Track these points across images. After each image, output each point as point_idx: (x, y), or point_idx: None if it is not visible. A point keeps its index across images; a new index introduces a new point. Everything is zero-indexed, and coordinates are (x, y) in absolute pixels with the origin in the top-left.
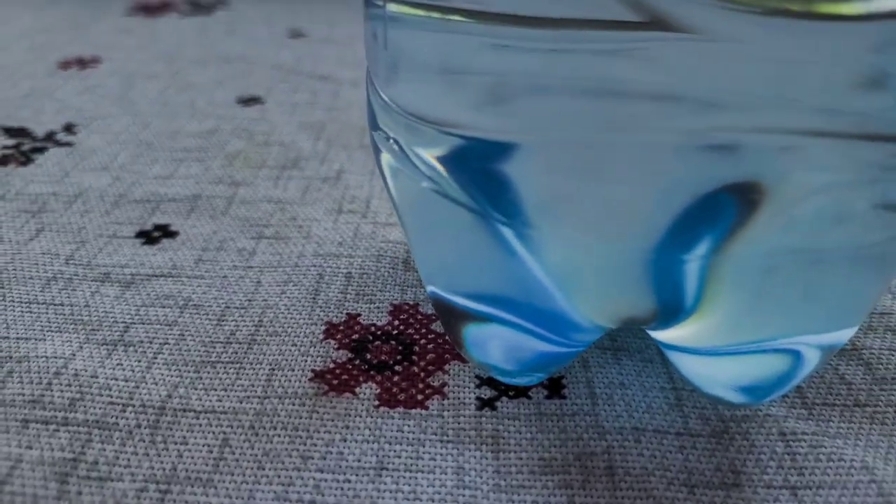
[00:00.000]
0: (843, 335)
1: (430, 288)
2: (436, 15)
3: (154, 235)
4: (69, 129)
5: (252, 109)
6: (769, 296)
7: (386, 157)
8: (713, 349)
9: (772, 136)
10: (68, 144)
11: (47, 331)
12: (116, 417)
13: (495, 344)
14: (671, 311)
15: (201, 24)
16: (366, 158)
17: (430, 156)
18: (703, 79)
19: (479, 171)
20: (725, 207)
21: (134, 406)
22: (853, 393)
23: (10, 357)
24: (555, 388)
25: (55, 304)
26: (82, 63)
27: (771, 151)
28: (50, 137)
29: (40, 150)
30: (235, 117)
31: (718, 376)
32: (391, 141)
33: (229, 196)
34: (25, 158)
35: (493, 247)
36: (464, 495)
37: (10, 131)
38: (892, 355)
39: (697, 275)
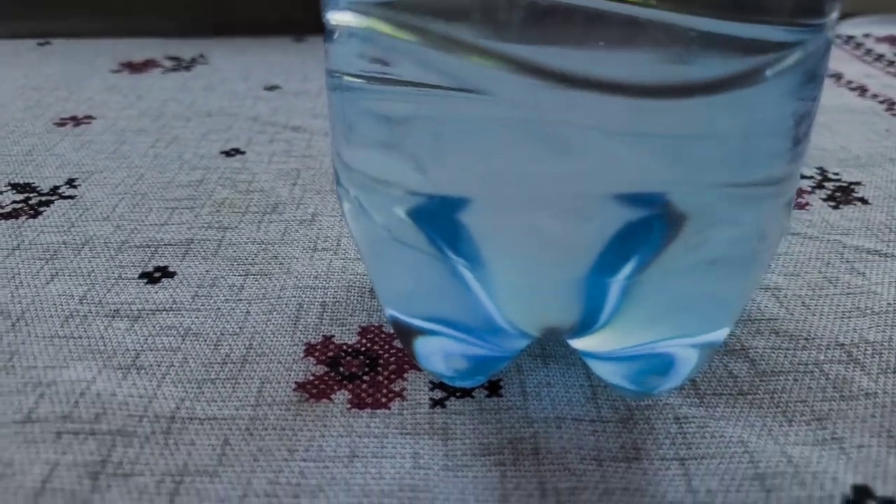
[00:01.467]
0: (718, 335)
1: (387, 310)
2: (378, 86)
3: (155, 276)
4: (71, 183)
5: (234, 160)
6: (655, 308)
7: (347, 206)
8: (609, 354)
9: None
10: (71, 197)
11: (69, 360)
12: (135, 427)
13: (439, 353)
14: (586, 324)
15: (182, 80)
16: (336, 202)
17: (389, 209)
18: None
19: (436, 220)
20: (652, 232)
21: (149, 417)
22: (738, 384)
23: (41, 383)
24: (494, 388)
25: (74, 338)
26: (76, 120)
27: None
28: (54, 191)
29: (47, 204)
30: (220, 168)
31: (617, 372)
32: (352, 195)
33: (218, 239)
34: (34, 211)
35: (442, 279)
36: (419, 474)
37: (18, 187)
38: (773, 353)
39: (618, 294)
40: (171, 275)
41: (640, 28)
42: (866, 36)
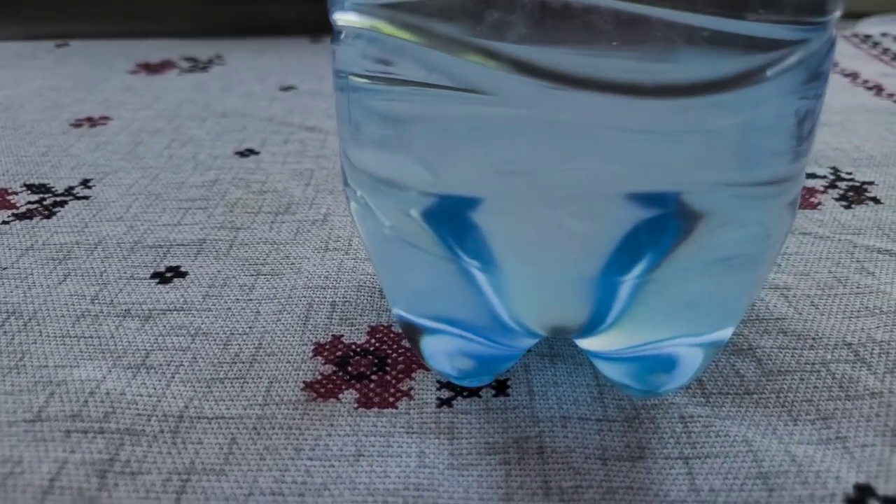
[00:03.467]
0: (723, 334)
1: (394, 309)
2: (383, 86)
3: (167, 276)
4: (85, 183)
5: (248, 160)
6: (662, 307)
7: (354, 206)
8: (616, 353)
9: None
10: (85, 198)
11: (80, 359)
12: (143, 426)
13: (446, 352)
14: (594, 324)
15: (199, 81)
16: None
17: (397, 211)
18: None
19: (445, 221)
20: (665, 231)
21: (157, 416)
22: (745, 384)
23: (51, 381)
24: (501, 388)
25: (85, 337)
26: (92, 121)
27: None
28: (69, 192)
29: (61, 204)
30: (234, 168)
31: (624, 373)
32: (359, 196)
33: (230, 239)
34: (48, 212)
35: (450, 279)
36: (424, 473)
37: (33, 188)
38: (780, 352)
39: (627, 294)
40: (183, 275)
41: (643, 26)
42: (884, 35)
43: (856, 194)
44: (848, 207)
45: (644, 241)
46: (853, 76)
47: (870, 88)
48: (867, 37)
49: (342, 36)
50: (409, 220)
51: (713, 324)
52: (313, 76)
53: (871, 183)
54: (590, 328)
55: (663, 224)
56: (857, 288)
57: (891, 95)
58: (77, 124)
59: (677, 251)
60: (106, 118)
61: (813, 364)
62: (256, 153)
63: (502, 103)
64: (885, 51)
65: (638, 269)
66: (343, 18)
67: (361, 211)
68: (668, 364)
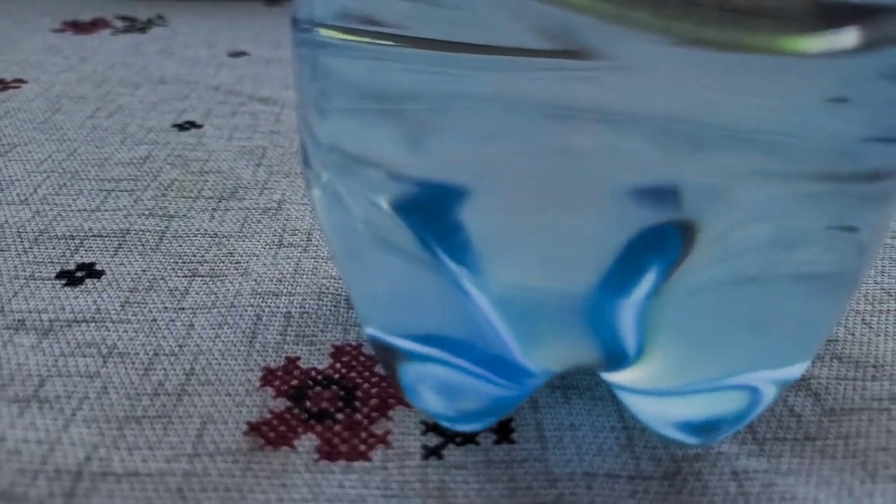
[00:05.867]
0: (798, 369)
1: (368, 329)
2: (366, 40)
3: (77, 276)
4: None
5: (188, 134)
6: (716, 333)
7: (317, 194)
8: (664, 389)
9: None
10: None
11: None
12: (26, 487)
13: (432, 385)
14: (617, 358)
15: (135, 43)
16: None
17: (370, 198)
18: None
19: (426, 214)
20: (666, 240)
21: (47, 472)
22: (803, 426)
23: None
24: (503, 431)
25: None
26: (4, 84)
27: (709, 189)
28: None
29: None
30: (170, 143)
31: (670, 416)
32: (324, 180)
33: (161, 230)
34: None
35: (435, 286)
36: None
37: None
38: (840, 385)
39: (636, 321)
40: (98, 274)
41: None
42: None
43: None
44: None
45: (645, 254)
46: None
47: None
48: None
49: None
50: (385, 212)
51: (786, 354)
52: (268, 42)
53: None
54: (613, 363)
55: (664, 233)
56: None
57: None
58: None
59: (686, 264)
60: (20, 81)
61: (880, 400)
62: (198, 126)
63: (520, 78)
64: None
65: (642, 291)
66: None
67: (326, 200)
68: (734, 404)
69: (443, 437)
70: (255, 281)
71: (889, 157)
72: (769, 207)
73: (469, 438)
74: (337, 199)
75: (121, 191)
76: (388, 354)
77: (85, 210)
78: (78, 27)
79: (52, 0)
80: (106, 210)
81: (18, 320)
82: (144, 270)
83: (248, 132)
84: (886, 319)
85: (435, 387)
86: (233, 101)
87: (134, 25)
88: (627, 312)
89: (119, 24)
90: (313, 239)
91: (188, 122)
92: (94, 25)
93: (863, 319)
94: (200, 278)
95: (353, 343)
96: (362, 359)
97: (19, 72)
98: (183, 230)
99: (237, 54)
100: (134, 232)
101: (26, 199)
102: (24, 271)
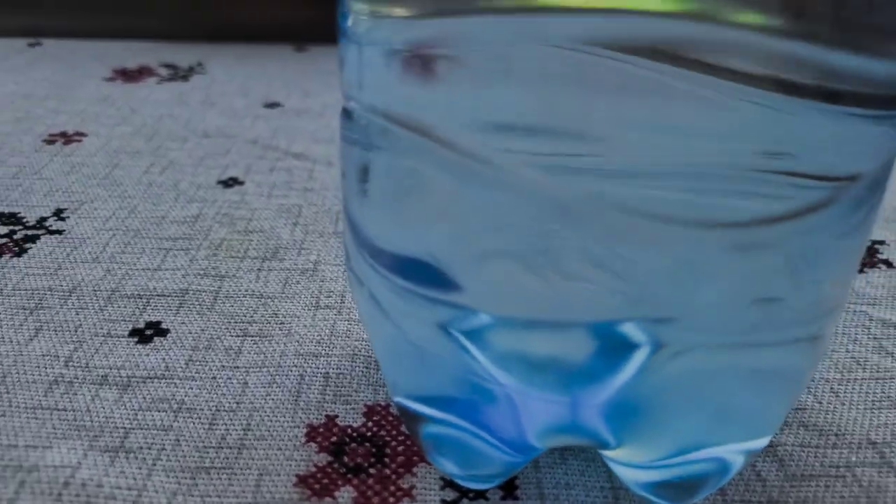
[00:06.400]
0: (763, 441)
1: (394, 396)
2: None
3: (147, 334)
4: (59, 214)
5: (232, 192)
6: (684, 419)
7: (362, 300)
8: (640, 463)
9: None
10: (59, 232)
11: (53, 438)
12: None
13: (452, 451)
14: (601, 444)
15: (179, 92)
16: (340, 247)
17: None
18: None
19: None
20: (630, 352)
21: None
22: (767, 490)
23: (21, 466)
24: (509, 488)
25: (59, 410)
26: (67, 137)
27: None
28: (41, 224)
29: (32, 240)
30: (217, 201)
31: (648, 482)
32: (367, 291)
33: (214, 290)
34: (19, 248)
35: (458, 373)
36: None
37: (3, 217)
38: (803, 451)
39: (608, 417)
40: (164, 333)
41: None
42: None
43: (867, 255)
44: (861, 271)
45: (617, 360)
46: None
47: None
48: None
49: (361, 31)
50: (435, 334)
51: (750, 432)
52: (298, 90)
53: (882, 242)
54: (600, 447)
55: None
56: (877, 371)
57: None
58: (50, 140)
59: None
60: (81, 134)
61: (837, 467)
62: (241, 183)
63: None
64: None
65: (613, 387)
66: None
67: (371, 311)
68: (705, 473)
69: (458, 492)
70: (298, 342)
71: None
72: (728, 329)
73: (480, 494)
74: (380, 310)
75: (178, 250)
76: (410, 418)
77: (148, 269)
78: (127, 75)
79: (98, 45)
80: (166, 269)
81: (102, 376)
82: (203, 329)
83: (284, 189)
84: (852, 389)
85: (450, 451)
86: (270, 157)
87: (177, 74)
88: (598, 410)
89: (163, 72)
90: (346, 301)
91: (231, 179)
92: (141, 73)
93: (831, 388)
94: (251, 338)
95: (383, 403)
96: (390, 418)
97: (79, 124)
98: (233, 290)
99: (271, 105)
100: (192, 292)
101: (97, 257)
102: (102, 329)
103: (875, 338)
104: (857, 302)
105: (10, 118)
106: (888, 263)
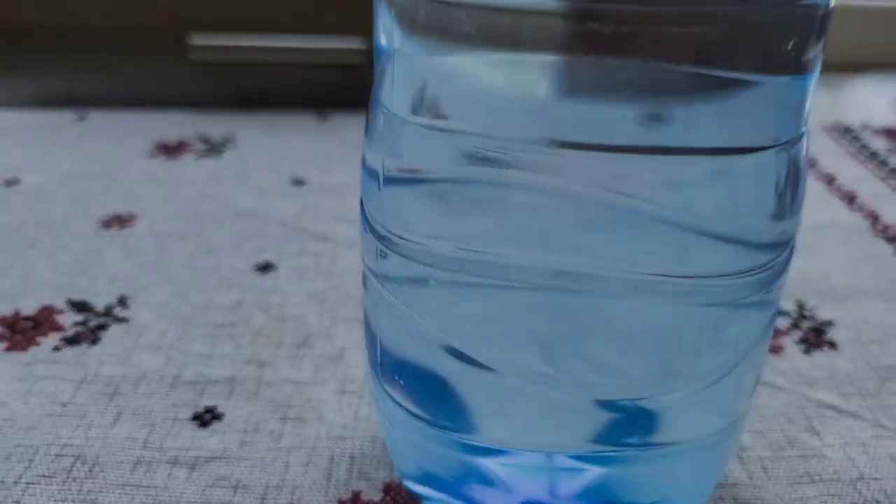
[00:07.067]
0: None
1: (403, 481)
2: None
3: (206, 418)
4: (123, 302)
5: (267, 278)
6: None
7: (382, 417)
8: None
9: None
10: (125, 320)
11: None
12: None
13: None
14: None
15: (214, 169)
16: (361, 333)
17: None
18: None
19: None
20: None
21: None
22: None
23: None
24: None
25: (143, 486)
26: (121, 221)
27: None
28: (108, 312)
29: (103, 328)
30: (255, 288)
31: None
32: (389, 418)
33: (257, 377)
34: (94, 336)
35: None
36: None
37: (76, 305)
38: None
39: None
40: (220, 417)
41: None
42: (864, 127)
43: (815, 336)
44: (807, 353)
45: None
46: (830, 180)
47: (843, 198)
48: (847, 129)
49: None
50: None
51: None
52: (320, 164)
53: (829, 323)
54: None
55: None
56: (804, 449)
57: (861, 209)
58: (106, 224)
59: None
60: (132, 216)
61: None
62: (274, 268)
63: None
64: (864, 147)
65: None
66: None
67: (389, 430)
68: None
69: None
70: (328, 426)
71: None
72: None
73: None
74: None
75: (225, 336)
76: (413, 497)
77: (201, 355)
78: (168, 151)
79: (136, 116)
80: (216, 356)
81: (174, 457)
82: (251, 414)
83: (311, 274)
84: (780, 466)
85: None
86: (298, 239)
87: (212, 149)
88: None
89: (199, 146)
90: (367, 388)
91: (266, 264)
92: (180, 148)
93: (762, 465)
94: (290, 421)
95: (398, 481)
96: (403, 493)
97: (129, 204)
98: (273, 378)
99: (297, 182)
100: (239, 379)
101: (159, 345)
102: (170, 413)
103: (808, 417)
104: (799, 383)
105: (68, 199)
106: (831, 344)
